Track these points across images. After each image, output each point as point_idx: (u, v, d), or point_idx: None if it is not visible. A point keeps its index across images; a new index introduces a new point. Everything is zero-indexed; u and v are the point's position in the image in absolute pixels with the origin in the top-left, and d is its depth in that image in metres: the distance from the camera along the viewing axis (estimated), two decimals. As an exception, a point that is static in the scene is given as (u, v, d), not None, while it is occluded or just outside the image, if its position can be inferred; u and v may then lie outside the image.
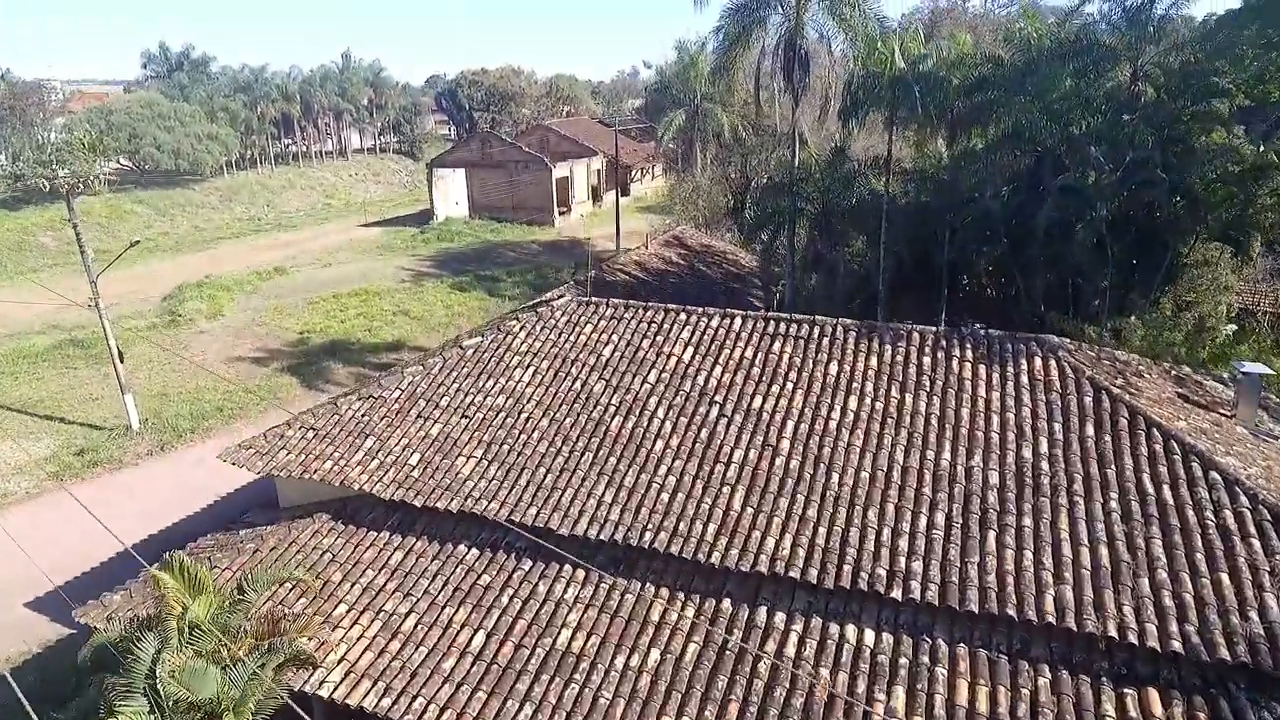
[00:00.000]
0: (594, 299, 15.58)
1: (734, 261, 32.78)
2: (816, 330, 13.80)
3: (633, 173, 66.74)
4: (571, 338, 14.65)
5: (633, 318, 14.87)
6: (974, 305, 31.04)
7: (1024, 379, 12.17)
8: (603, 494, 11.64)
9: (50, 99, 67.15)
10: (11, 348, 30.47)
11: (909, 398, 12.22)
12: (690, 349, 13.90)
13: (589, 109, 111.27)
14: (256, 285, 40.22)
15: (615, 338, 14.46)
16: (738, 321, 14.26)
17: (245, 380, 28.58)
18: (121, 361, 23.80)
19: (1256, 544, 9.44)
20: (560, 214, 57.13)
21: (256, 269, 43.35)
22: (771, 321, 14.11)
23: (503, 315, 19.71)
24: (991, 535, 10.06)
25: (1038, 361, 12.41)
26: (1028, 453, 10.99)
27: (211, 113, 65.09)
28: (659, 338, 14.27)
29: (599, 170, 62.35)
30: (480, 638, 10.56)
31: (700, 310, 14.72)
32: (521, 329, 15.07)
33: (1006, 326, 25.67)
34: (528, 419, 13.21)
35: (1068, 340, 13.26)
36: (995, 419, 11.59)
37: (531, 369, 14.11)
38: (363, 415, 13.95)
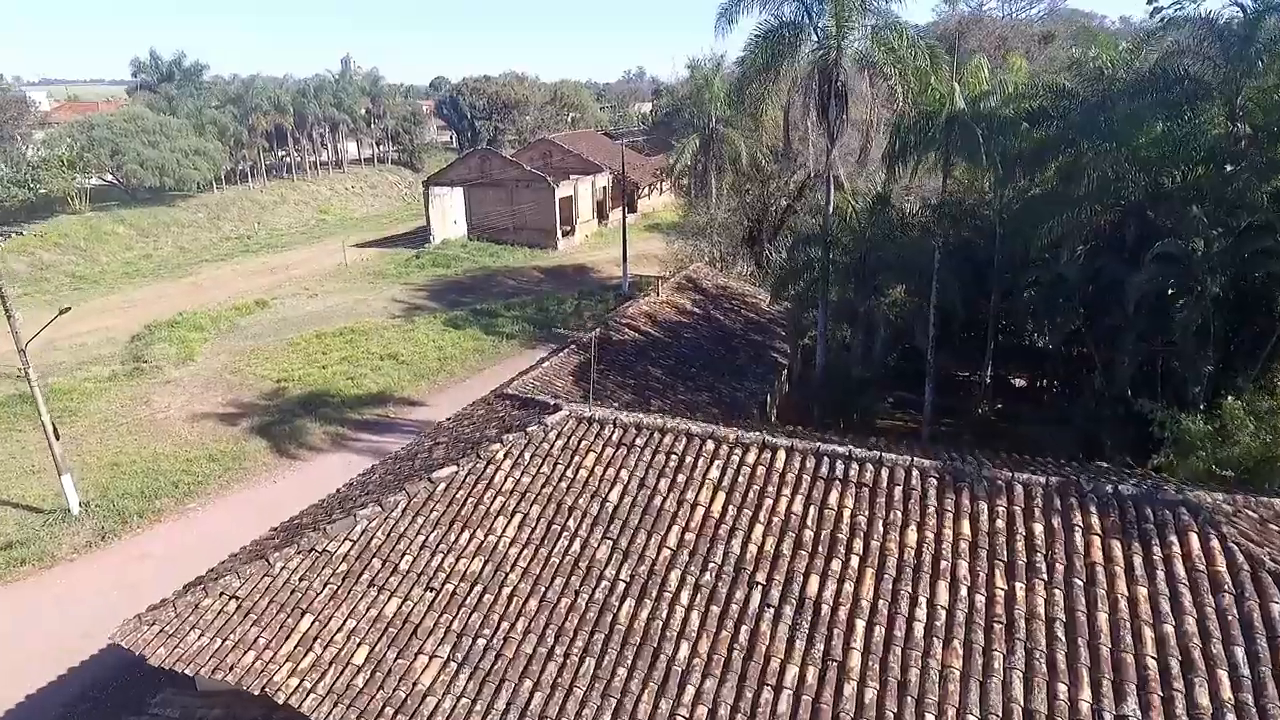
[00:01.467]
0: (596, 416, 12.45)
1: (754, 306, 29.64)
2: (885, 474, 10.67)
3: (641, 188, 63.65)
4: (569, 472, 11.54)
5: (646, 445, 11.75)
6: (1022, 357, 27.94)
7: (1178, 567, 9.02)
8: (609, 732, 8.56)
9: (30, 111, 64.31)
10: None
11: (1020, 589, 9.08)
12: (721, 495, 10.78)
13: (594, 116, 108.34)
14: (234, 322, 37.24)
15: (624, 474, 11.35)
16: (780, 458, 11.13)
17: (209, 444, 25.58)
18: (57, 438, 20.77)
19: None
20: (563, 235, 54.09)
21: (236, 302, 40.40)
22: (826, 459, 10.98)
23: (484, 431, 16.61)
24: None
25: (1192, 540, 9.26)
26: (1205, 698, 7.85)
27: (200, 126, 62.21)
28: (680, 476, 11.16)
29: (605, 187, 59.28)
30: None
31: (732, 436, 11.61)
32: (506, 457, 11.96)
33: (1073, 399, 22.64)
34: (511, 596, 10.11)
35: (1220, 497, 10.09)
36: (1148, 633, 8.46)
37: (517, 518, 11.01)
38: (301, 579, 10.87)
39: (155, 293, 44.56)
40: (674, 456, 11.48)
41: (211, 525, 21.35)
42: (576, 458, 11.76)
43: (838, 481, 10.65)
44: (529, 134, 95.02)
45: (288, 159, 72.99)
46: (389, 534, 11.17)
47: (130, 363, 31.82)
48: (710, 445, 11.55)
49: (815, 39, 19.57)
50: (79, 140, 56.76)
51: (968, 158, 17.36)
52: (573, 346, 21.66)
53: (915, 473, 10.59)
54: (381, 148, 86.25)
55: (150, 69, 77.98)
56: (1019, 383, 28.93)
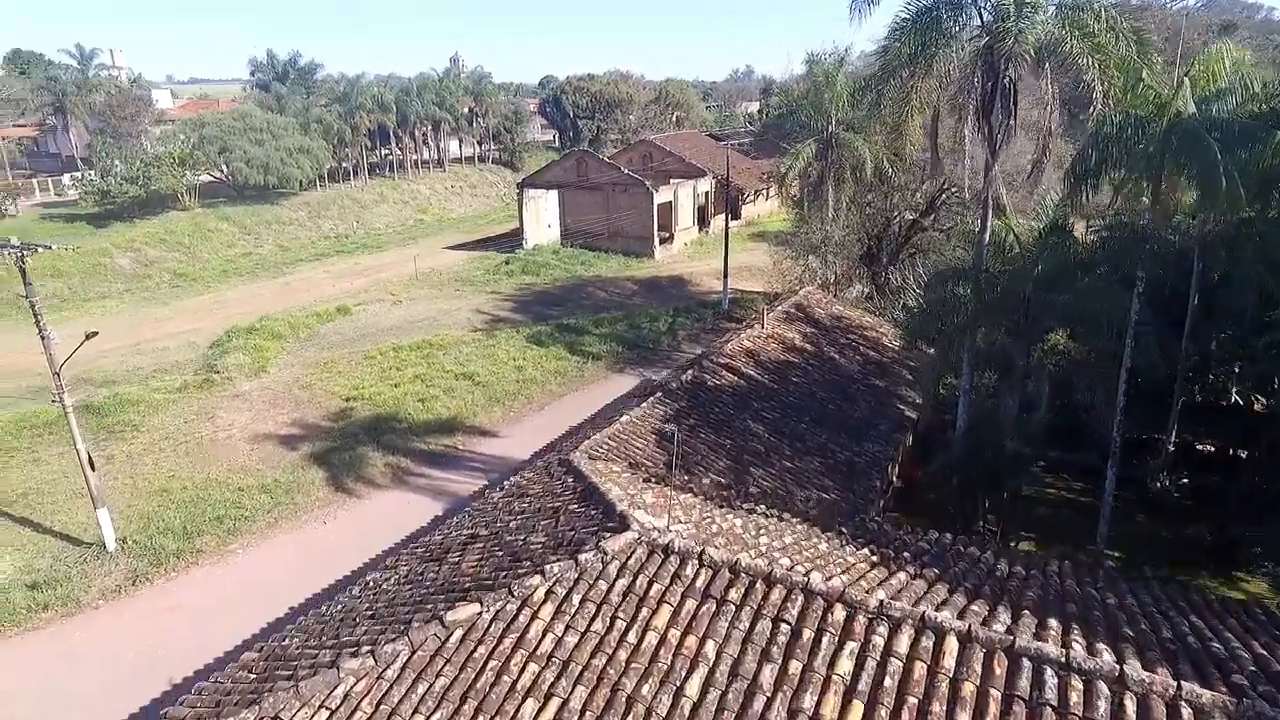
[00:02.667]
0: (675, 545, 8.92)
1: (873, 341, 25.40)
2: (1131, 708, 6.66)
3: (745, 194, 59.59)
4: (631, 636, 8.07)
5: (744, 602, 8.14)
6: (1217, 419, 22.60)
7: None
8: None
9: (149, 109, 66.35)
10: (13, 415, 26.68)
11: None
12: (856, 709, 7.04)
13: (699, 116, 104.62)
14: (313, 330, 35.79)
15: (710, 649, 7.78)
16: (950, 652, 7.27)
17: (264, 471, 23.63)
18: (93, 469, 19.00)
19: None
20: (661, 243, 50.76)
21: (319, 307, 39.09)
22: (1026, 665, 7.06)
23: (529, 534, 13.37)
24: None
25: None
26: None
27: (305, 124, 62.45)
28: (793, 663, 7.49)
29: (706, 192, 55.60)
30: None
31: (874, 604, 7.83)
32: (548, 597, 8.61)
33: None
34: (531, 846, 6.75)
35: None
36: None
37: (553, 705, 7.62)
38: (255, 767, 7.88)
39: (247, 293, 44.11)
40: (785, 626, 7.82)
41: (251, 571, 19.20)
42: (644, 611, 8.28)
43: (1048, 711, 6.72)
44: (631, 134, 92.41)
45: (390, 157, 72.89)
46: (377, 704, 8.00)
47: (203, 372, 30.60)
48: (840, 614, 7.82)
49: (980, 21, 15.34)
50: (190, 138, 57.78)
51: (1199, 174, 12.79)
52: (659, 395, 18.17)
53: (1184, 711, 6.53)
54: (483, 146, 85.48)
55: (267, 68, 79.73)
56: (1206, 449, 23.52)
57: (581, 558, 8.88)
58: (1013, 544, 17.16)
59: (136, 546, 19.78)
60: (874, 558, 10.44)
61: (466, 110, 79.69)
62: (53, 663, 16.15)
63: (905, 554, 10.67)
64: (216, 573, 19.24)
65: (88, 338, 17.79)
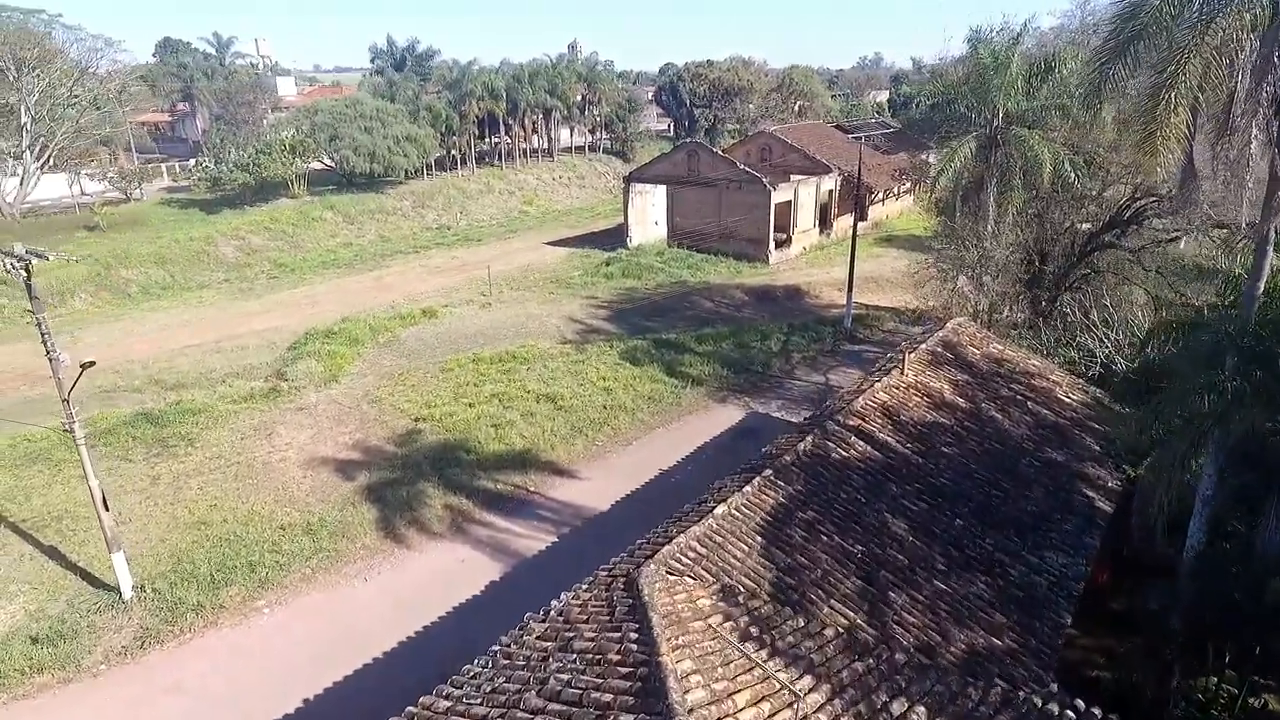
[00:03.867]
0: None
1: (1044, 393, 20.01)
2: None
3: (874, 192, 53.62)
4: None
5: None
6: None
7: None
8: None
9: (265, 96, 66.87)
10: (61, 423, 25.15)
11: None
12: None
13: (823, 105, 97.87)
14: (394, 334, 33.36)
15: None
16: None
17: (313, 505, 20.96)
18: (107, 509, 16.60)
19: None
20: (777, 246, 45.87)
21: (405, 309, 36.77)
22: None
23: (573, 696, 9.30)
24: None
25: None
26: None
27: (415, 112, 61.11)
28: None
29: (831, 190, 50.14)
30: None
31: None
32: None
33: None
34: None
35: None
36: None
37: None
38: None
39: (340, 287, 42.57)
40: None
41: (270, 641, 16.40)
42: None
43: None
44: (749, 124, 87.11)
45: (499, 146, 70.98)
46: None
47: (273, 379, 28.56)
48: None
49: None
50: (304, 125, 57.39)
51: None
52: (768, 474, 13.84)
53: None
54: (595, 135, 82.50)
55: (386, 55, 79.63)
56: None
57: None
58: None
59: (155, 596, 17.34)
60: None
61: (579, 98, 76.80)
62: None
63: None
64: (231, 641, 16.47)
65: (83, 369, 15.20)
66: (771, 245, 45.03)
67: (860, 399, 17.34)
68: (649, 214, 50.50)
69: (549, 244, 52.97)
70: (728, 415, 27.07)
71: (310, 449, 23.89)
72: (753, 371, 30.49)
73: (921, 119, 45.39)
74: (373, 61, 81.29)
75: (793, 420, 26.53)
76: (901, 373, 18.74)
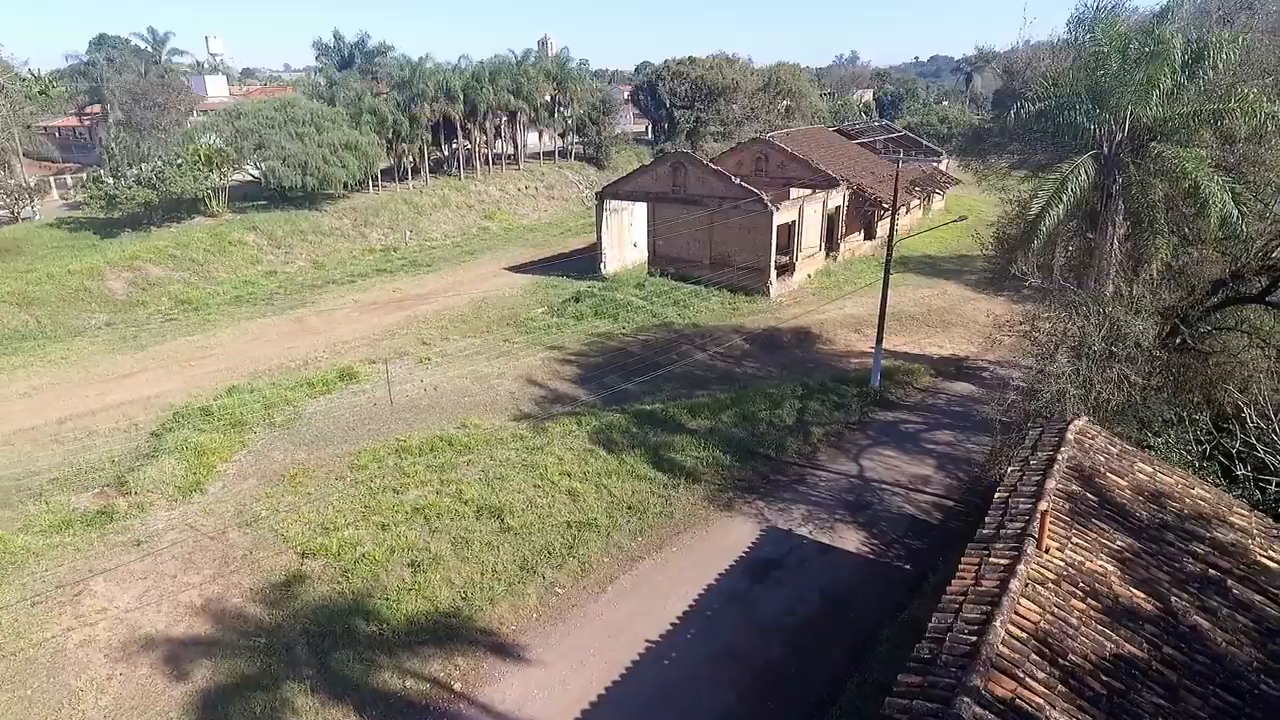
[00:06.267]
0: None
1: (1238, 554, 12.92)
2: None
3: (881, 205, 46.67)
4: None
5: None
6: None
7: None
8: None
9: (179, 96, 58.45)
10: None
11: None
12: None
13: (811, 105, 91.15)
14: (297, 409, 25.71)
15: None
16: None
17: (109, 741, 13.40)
18: None
19: None
20: (779, 274, 38.76)
21: (320, 368, 29.15)
22: None
23: None
24: None
25: None
26: None
27: (357, 115, 53.28)
28: None
29: (839, 206, 43.09)
30: None
31: None
32: None
33: None
34: None
35: None
36: None
37: None
38: None
39: (249, 331, 34.79)
40: None
41: None
42: None
43: None
44: (734, 126, 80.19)
45: (457, 152, 63.24)
46: None
47: (110, 491, 20.84)
48: None
49: None
50: (224, 131, 49.32)
51: None
52: None
53: None
54: (566, 140, 75.00)
55: (332, 51, 71.46)
56: None
57: None
58: None
59: None
60: None
61: (548, 98, 69.30)
62: None
63: None
64: None
65: None
66: (773, 274, 37.89)
67: (997, 621, 10.07)
68: (626, 235, 43.22)
69: (510, 269, 45.49)
70: (736, 533, 19.85)
71: (133, 620, 16.26)
72: (763, 457, 23.30)
73: (984, 129, 38.42)
74: (317, 59, 72.99)
75: (827, 541, 19.42)
76: (1040, 547, 11.56)
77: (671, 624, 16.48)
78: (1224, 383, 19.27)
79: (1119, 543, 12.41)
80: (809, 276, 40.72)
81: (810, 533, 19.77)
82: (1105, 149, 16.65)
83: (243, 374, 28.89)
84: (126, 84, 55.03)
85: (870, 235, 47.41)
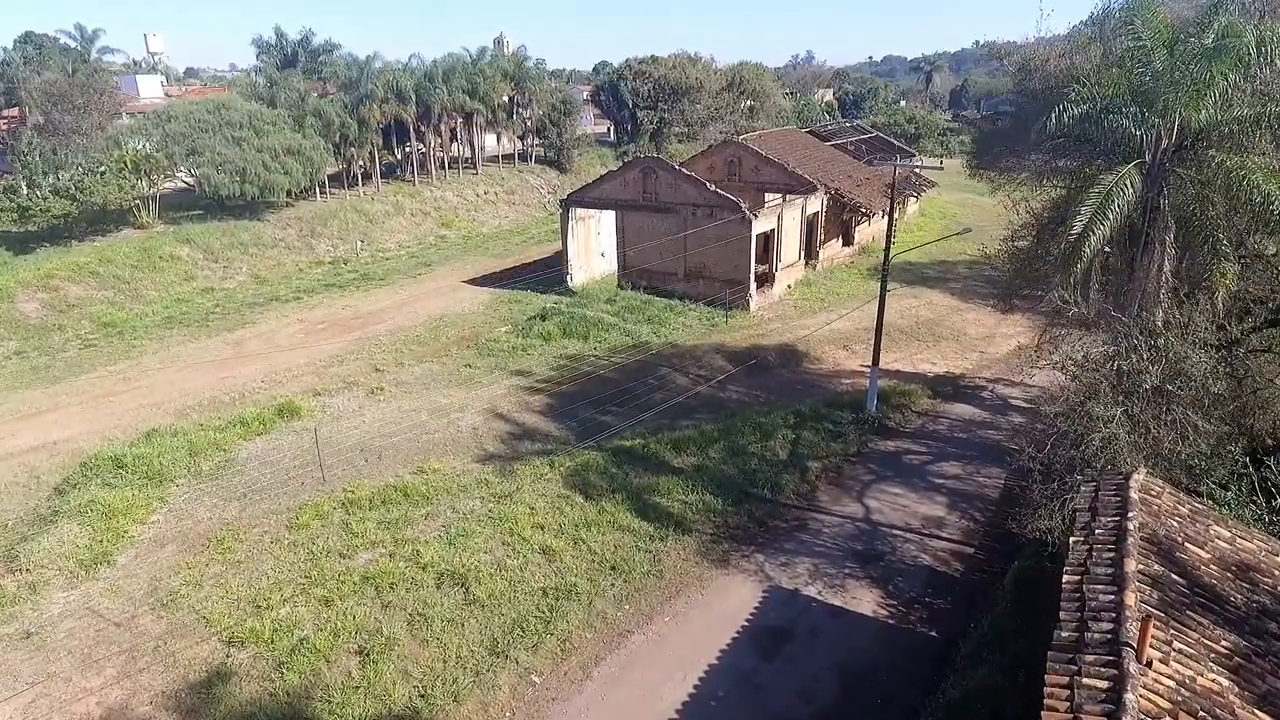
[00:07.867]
0: None
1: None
2: None
3: (870, 214, 44.73)
4: None
5: None
6: None
7: None
8: None
9: (108, 98, 54.19)
10: None
11: None
12: None
13: (775, 105, 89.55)
14: (227, 455, 22.58)
15: None
16: None
17: None
18: None
19: None
20: (759, 285, 36.55)
21: (255, 403, 26.01)
22: None
23: None
24: None
25: None
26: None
27: (300, 118, 49.74)
28: None
29: (817, 213, 41.04)
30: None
31: None
32: None
33: None
34: None
35: None
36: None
37: None
38: None
39: (179, 358, 31.39)
40: None
41: None
42: None
43: None
44: (698, 126, 78.06)
45: (411, 156, 59.91)
46: None
47: (2, 561, 17.60)
48: None
49: None
50: (153, 135, 45.43)
51: None
52: None
53: None
54: (526, 142, 71.99)
55: (274, 50, 67.49)
56: None
57: None
58: None
59: None
60: None
61: (505, 99, 66.26)
62: None
63: None
64: None
65: None
66: (752, 286, 35.64)
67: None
68: (594, 245, 40.63)
69: (470, 282, 42.56)
70: (735, 595, 17.44)
71: (11, 746, 13.23)
72: (758, 499, 20.94)
73: (996, 129, 36.49)
74: (258, 58, 68.87)
75: (839, 603, 17.11)
76: (1140, 659, 9.32)
77: (670, 720, 14.00)
78: (1262, 410, 17.49)
79: (1224, 644, 10.23)
80: (789, 287, 38.59)
81: (819, 593, 17.45)
82: (1149, 157, 14.66)
83: (169, 410, 25.62)
84: (44, 84, 50.60)
85: (849, 242, 45.53)
